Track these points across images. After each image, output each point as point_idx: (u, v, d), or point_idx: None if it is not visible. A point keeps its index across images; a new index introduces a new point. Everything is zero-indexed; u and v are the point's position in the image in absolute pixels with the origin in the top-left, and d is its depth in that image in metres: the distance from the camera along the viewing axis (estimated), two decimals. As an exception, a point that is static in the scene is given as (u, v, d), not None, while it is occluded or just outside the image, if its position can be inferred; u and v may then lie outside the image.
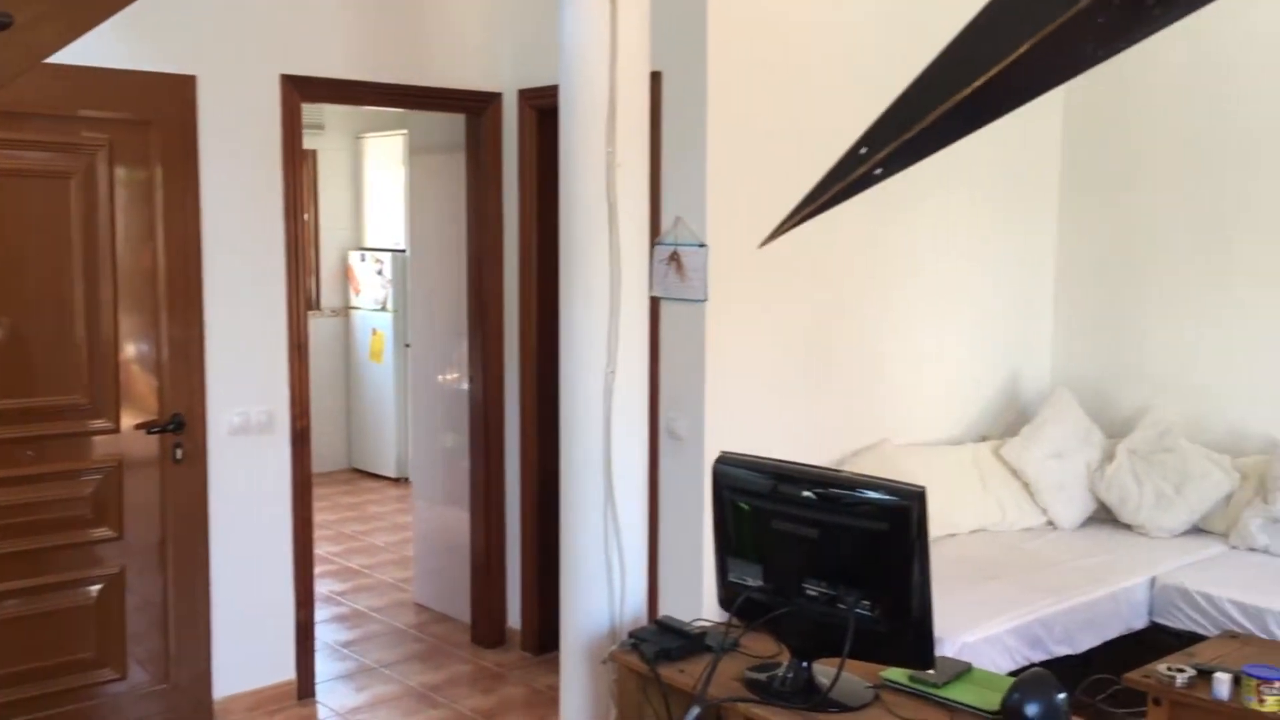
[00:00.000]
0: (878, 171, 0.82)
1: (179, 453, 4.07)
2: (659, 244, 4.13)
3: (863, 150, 0.81)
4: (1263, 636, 3.84)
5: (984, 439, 5.01)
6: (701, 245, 4.01)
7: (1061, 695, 2.32)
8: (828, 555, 2.49)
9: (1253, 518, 4.45)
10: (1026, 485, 4.79)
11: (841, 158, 0.84)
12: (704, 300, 4.04)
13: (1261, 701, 3.21)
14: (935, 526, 4.55)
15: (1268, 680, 3.22)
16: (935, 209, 4.78)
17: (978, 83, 0.72)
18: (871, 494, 2.41)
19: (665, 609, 4.21)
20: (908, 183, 4.58)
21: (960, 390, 5.01)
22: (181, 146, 4.02)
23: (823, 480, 2.52)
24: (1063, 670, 4.06)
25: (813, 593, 2.50)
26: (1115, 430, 5.00)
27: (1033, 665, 3.78)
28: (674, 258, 4.11)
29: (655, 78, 4.10)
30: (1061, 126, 5.29)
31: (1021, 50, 0.71)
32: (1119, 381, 5.13)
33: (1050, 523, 4.77)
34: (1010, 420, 5.14)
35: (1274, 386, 4.68)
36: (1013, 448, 4.84)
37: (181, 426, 4.06)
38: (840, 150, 0.85)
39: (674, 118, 4.08)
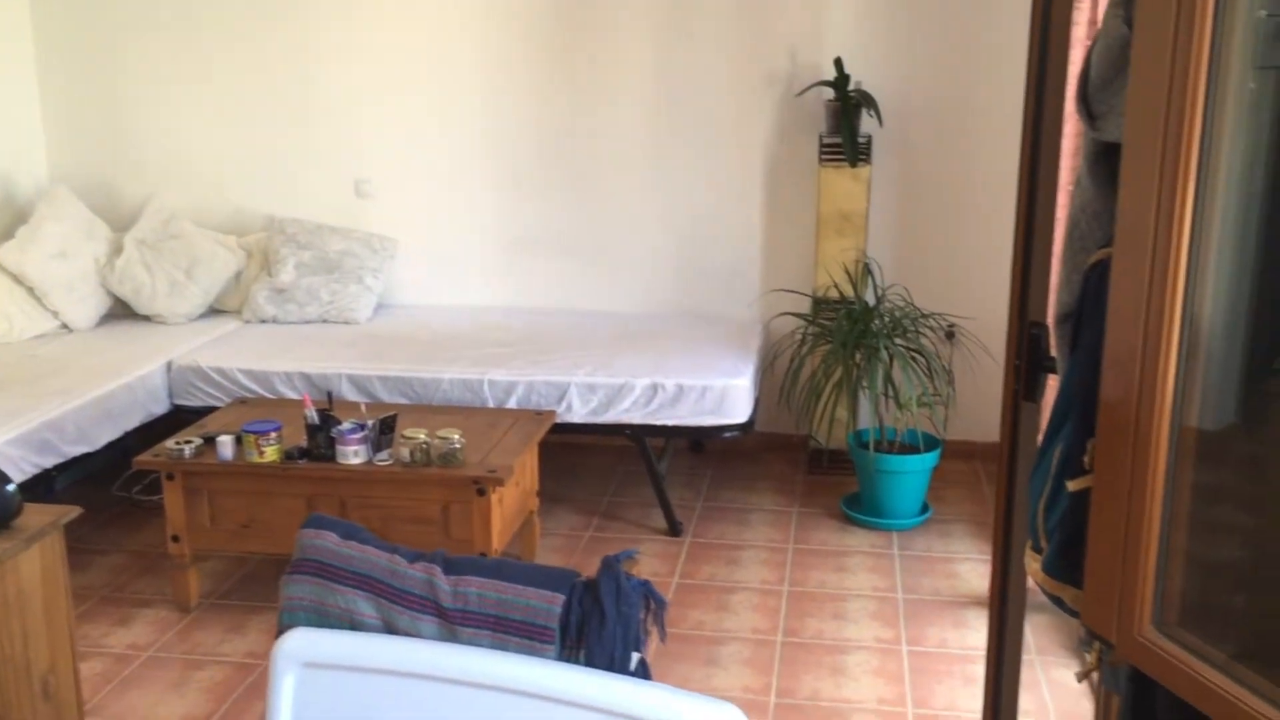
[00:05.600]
0: None
1: None
2: None
3: None
4: (271, 397, 4.13)
5: (-21, 247, 4.54)
6: None
7: (12, 487, 2.20)
8: None
9: (260, 291, 4.70)
10: (32, 290, 4.47)
11: None
12: None
13: (261, 454, 3.45)
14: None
15: (264, 433, 3.47)
16: None
17: None
18: None
19: None
20: None
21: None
22: None
23: None
24: (102, 467, 3.97)
25: None
26: (123, 224, 4.88)
27: (47, 471, 3.62)
28: None
29: None
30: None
31: None
32: (121, 175, 4.98)
33: (65, 325, 4.54)
34: (6, 223, 4.72)
35: (270, 168, 4.92)
36: (9, 252, 4.45)
37: None
38: None
39: None
